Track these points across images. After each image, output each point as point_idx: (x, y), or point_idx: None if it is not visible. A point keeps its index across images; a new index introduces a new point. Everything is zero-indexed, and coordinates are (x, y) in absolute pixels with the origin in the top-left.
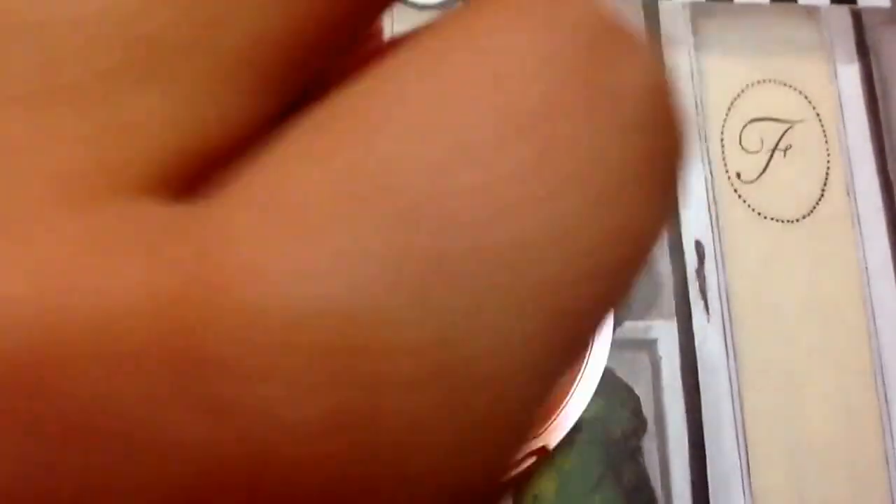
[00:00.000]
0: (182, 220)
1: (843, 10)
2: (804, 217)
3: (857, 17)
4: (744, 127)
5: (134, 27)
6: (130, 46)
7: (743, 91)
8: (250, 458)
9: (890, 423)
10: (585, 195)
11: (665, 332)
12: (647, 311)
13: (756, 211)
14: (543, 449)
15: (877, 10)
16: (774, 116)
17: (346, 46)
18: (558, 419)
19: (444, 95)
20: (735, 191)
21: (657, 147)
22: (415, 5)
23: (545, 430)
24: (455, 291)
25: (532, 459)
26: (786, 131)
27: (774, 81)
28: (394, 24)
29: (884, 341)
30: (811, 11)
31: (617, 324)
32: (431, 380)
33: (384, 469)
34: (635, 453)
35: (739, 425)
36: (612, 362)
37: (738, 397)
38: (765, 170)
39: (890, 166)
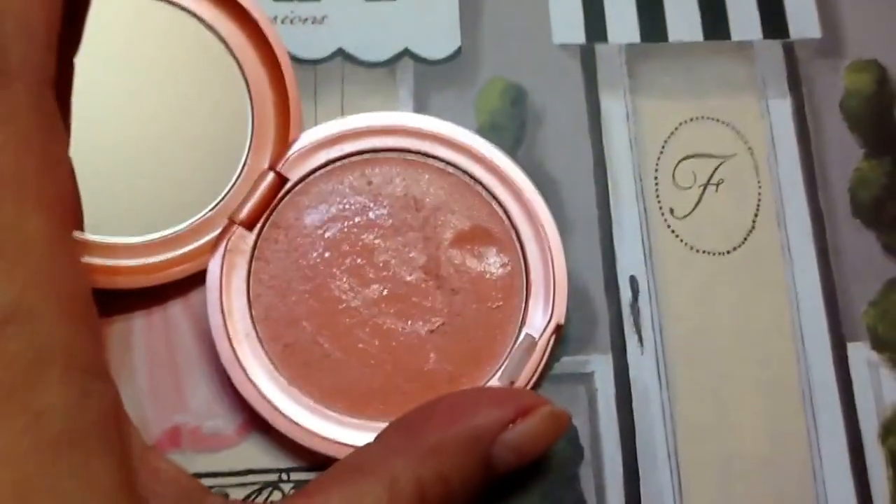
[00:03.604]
0: None
1: (776, 45)
2: (735, 249)
3: (790, 50)
4: (677, 164)
5: None
6: None
7: (677, 129)
8: None
9: (818, 447)
10: None
11: (601, 365)
12: (583, 347)
13: (688, 245)
14: (558, 327)
15: (808, 43)
16: (707, 152)
17: None
18: (555, 296)
19: None
20: (668, 226)
21: None
22: (363, 63)
23: (552, 310)
24: None
25: (553, 339)
26: (718, 166)
27: (707, 118)
28: (344, 83)
29: (812, 366)
30: (744, 47)
31: (555, 360)
32: None
33: None
34: (573, 480)
35: (672, 449)
36: (551, 396)
37: (670, 423)
38: (697, 204)
39: (820, 196)
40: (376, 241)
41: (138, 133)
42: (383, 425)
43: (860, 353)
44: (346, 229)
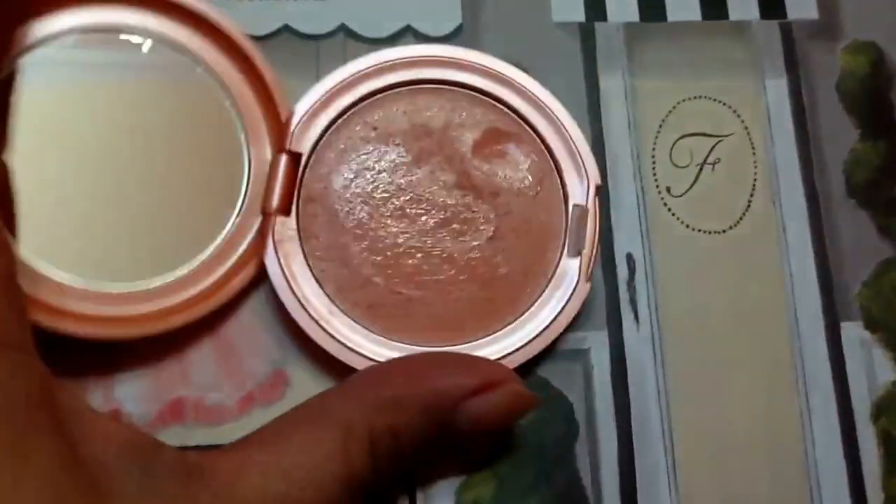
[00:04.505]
0: None
1: (773, 25)
2: (731, 227)
3: (787, 30)
4: (674, 143)
5: None
6: None
7: (674, 108)
8: None
9: (811, 426)
10: None
11: (597, 342)
12: (580, 323)
13: (685, 223)
14: (598, 187)
15: (806, 23)
16: (704, 131)
17: None
18: (584, 161)
19: None
20: (665, 205)
21: None
22: (366, 39)
23: (587, 175)
24: None
25: (595, 196)
26: (715, 145)
27: (705, 98)
28: (346, 59)
29: (806, 345)
30: (741, 27)
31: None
32: None
33: None
34: (568, 456)
35: (666, 427)
36: (547, 372)
37: (664, 401)
38: (694, 183)
39: (816, 177)
40: (404, 178)
41: (135, 175)
42: (480, 342)
43: (853, 333)
44: (372, 178)
